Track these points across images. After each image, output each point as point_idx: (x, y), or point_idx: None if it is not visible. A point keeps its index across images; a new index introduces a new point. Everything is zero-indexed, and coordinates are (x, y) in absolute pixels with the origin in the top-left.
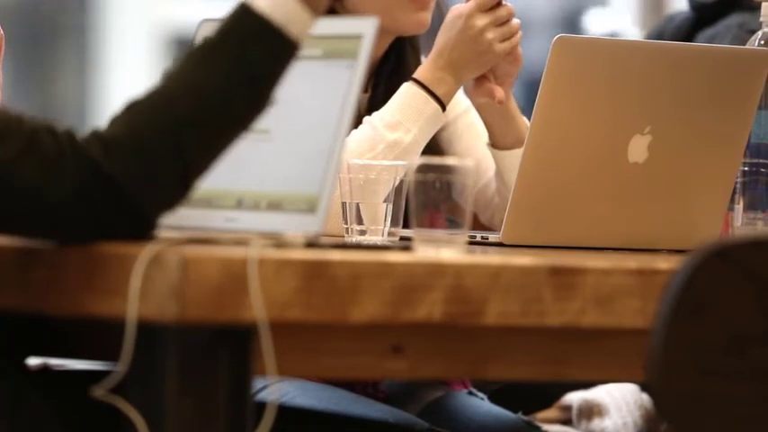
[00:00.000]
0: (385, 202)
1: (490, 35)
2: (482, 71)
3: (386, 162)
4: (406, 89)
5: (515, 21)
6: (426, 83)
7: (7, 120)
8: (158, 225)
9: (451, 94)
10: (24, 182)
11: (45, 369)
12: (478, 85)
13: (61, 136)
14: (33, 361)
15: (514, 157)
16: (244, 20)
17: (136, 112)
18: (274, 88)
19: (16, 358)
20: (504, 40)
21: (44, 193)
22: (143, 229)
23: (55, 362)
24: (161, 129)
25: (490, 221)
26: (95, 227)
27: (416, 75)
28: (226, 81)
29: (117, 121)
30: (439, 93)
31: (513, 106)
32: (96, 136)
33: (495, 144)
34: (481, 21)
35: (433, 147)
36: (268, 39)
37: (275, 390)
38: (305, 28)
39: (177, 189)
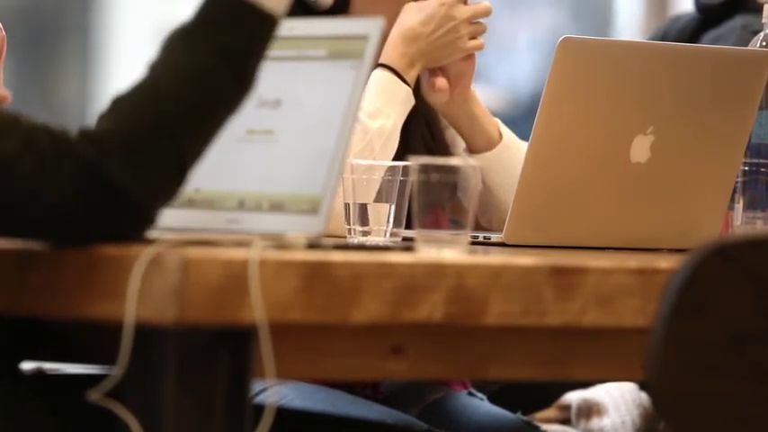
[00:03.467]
0: (388, 202)
1: (464, 30)
2: (442, 63)
3: (388, 162)
4: (380, 76)
5: (485, 21)
6: (397, 68)
7: (3, 119)
8: (157, 218)
9: (416, 77)
10: (21, 182)
11: (40, 373)
12: (430, 79)
13: (58, 136)
14: (28, 365)
15: (487, 160)
16: (219, 1)
17: (122, 106)
18: (257, 66)
19: (11, 362)
20: (472, 37)
21: (41, 194)
22: (143, 225)
23: (50, 366)
24: (150, 119)
25: (489, 224)
26: (94, 226)
27: (386, 60)
28: (208, 63)
29: (105, 118)
30: (408, 78)
31: (477, 107)
32: (86, 135)
33: (468, 148)
34: (461, 13)
35: (437, 147)
36: (245, 16)
37: (274, 392)
38: (281, 2)
39: (173, 178)
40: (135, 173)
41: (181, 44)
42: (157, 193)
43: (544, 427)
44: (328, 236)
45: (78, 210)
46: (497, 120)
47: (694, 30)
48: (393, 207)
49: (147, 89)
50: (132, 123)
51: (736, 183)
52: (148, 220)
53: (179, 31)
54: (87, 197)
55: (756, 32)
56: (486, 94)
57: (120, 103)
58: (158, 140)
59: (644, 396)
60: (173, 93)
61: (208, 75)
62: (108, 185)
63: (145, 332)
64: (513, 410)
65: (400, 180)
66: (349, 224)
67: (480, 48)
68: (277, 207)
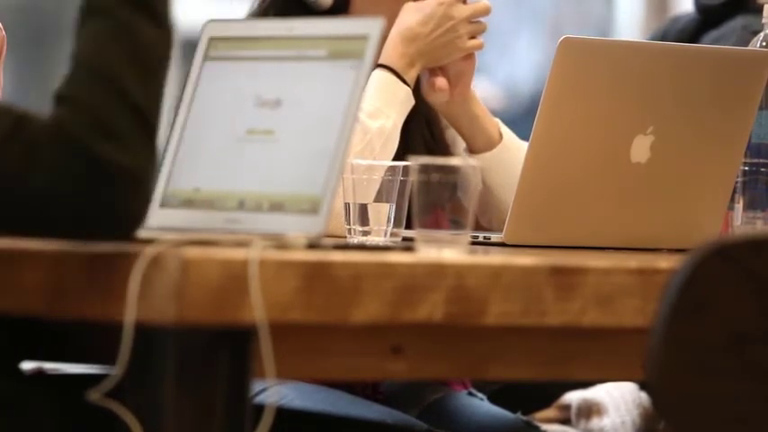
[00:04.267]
0: (388, 202)
1: (463, 29)
2: (442, 63)
3: (388, 162)
4: (379, 76)
5: (484, 20)
6: (397, 68)
7: None
8: (152, 192)
9: (415, 77)
10: (8, 167)
11: (40, 373)
12: (430, 78)
13: (47, 124)
14: (28, 365)
15: (487, 160)
16: None
17: (69, 93)
18: (171, 7)
19: (11, 362)
20: (471, 37)
21: (30, 178)
22: (138, 197)
23: (50, 366)
24: (99, 92)
25: (489, 224)
26: (82, 210)
27: (386, 60)
28: (121, 21)
29: (58, 110)
30: (408, 78)
31: (478, 107)
32: (60, 122)
33: (468, 148)
34: (460, 13)
35: (437, 147)
36: None
37: (274, 392)
38: None
39: (146, 136)
40: (112, 143)
41: (91, 17)
42: (139, 157)
43: (544, 427)
44: (328, 236)
45: (75, 193)
46: (497, 120)
47: (694, 30)
48: (393, 207)
49: (82, 68)
50: (87, 102)
51: (736, 183)
52: (143, 193)
53: (83, 8)
54: (82, 180)
55: (756, 33)
56: (486, 93)
57: (66, 91)
58: (115, 105)
59: (644, 396)
60: (104, 60)
61: (125, 32)
62: (98, 163)
63: (145, 332)
64: (513, 410)
65: (400, 180)
66: (349, 224)
67: (480, 47)
68: (277, 207)
